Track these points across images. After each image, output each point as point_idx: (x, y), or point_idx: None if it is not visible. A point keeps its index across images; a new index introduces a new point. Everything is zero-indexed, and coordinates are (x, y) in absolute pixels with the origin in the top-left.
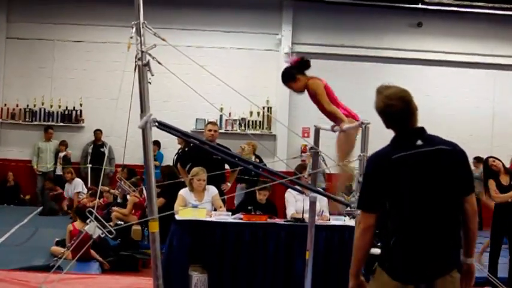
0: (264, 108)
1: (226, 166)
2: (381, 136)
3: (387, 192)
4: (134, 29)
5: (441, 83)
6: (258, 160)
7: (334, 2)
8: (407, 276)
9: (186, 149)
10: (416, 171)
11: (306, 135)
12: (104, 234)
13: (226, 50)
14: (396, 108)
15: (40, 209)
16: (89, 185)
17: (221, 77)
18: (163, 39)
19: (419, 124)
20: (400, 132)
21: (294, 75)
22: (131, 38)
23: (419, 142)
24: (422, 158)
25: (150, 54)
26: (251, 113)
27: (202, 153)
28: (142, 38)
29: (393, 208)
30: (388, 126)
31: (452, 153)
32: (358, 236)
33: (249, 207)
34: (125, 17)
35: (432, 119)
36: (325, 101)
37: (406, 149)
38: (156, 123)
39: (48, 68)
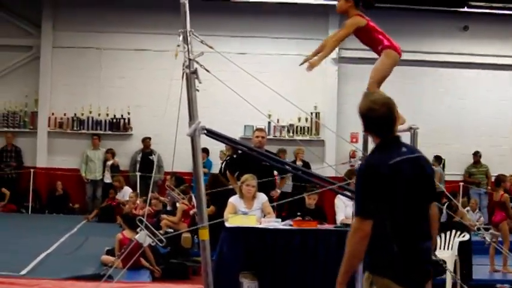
0: (312, 114)
1: (275, 172)
2: (428, 140)
3: (386, 198)
4: (181, 37)
5: (488, 86)
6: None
7: (380, 7)
8: (413, 280)
9: (235, 156)
10: (409, 177)
11: (354, 140)
12: (154, 243)
13: (273, 56)
14: (379, 113)
15: (89, 216)
16: (138, 192)
17: (269, 83)
18: (210, 47)
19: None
20: (384, 139)
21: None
22: (178, 46)
23: (403, 149)
24: (411, 164)
25: (197, 62)
26: (299, 118)
27: (251, 160)
28: (189, 46)
29: (391, 214)
30: (366, 130)
31: (427, 160)
32: (355, 243)
33: (298, 214)
34: (171, 25)
35: (480, 121)
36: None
37: (398, 155)
38: (205, 131)
39: (95, 77)
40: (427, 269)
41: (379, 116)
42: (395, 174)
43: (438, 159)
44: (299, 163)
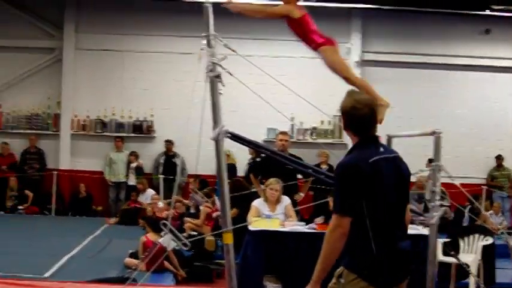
0: (334, 116)
1: (299, 176)
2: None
3: (366, 196)
4: (205, 41)
5: (510, 89)
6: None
7: (402, 10)
8: (388, 281)
9: (258, 159)
10: (388, 176)
11: None
12: (178, 247)
13: (296, 59)
14: (362, 112)
15: (110, 220)
16: (161, 195)
17: (291, 86)
18: (233, 51)
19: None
20: (363, 139)
21: None
22: (202, 49)
23: (381, 149)
24: (389, 163)
25: (221, 66)
26: (322, 121)
27: (274, 163)
28: (213, 50)
29: (371, 212)
30: (346, 128)
31: (403, 161)
32: (334, 240)
33: (322, 217)
34: (194, 27)
35: (503, 125)
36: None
37: (376, 154)
38: (229, 135)
39: (118, 79)
40: (405, 269)
41: (361, 116)
42: (376, 173)
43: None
44: (324, 167)
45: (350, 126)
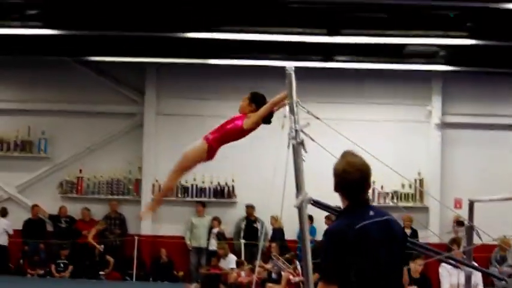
0: (415, 180)
1: None
2: None
3: (353, 262)
4: (288, 108)
5: None
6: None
7: (483, 72)
8: None
9: None
10: (377, 241)
11: (458, 206)
12: None
13: (376, 122)
14: (352, 177)
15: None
16: (243, 260)
17: (372, 149)
18: (317, 118)
19: None
20: (353, 203)
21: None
22: (285, 117)
23: (371, 213)
24: (378, 227)
25: (304, 132)
26: (403, 185)
27: None
28: (296, 117)
29: (359, 279)
30: (336, 190)
31: (395, 223)
32: None
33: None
34: (275, 92)
35: None
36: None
37: (364, 219)
38: (312, 202)
39: None
40: None
41: (351, 180)
42: (362, 238)
43: (460, 223)
44: (408, 231)
45: (340, 189)
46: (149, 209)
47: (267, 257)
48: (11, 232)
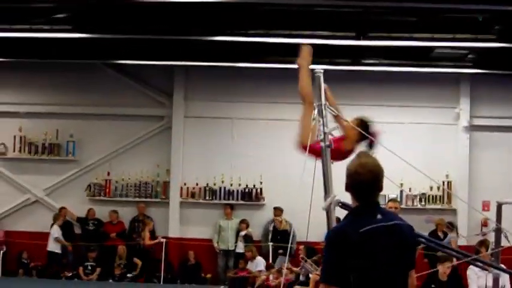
0: (443, 183)
1: None
2: None
3: (354, 265)
4: (316, 110)
5: None
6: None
7: (511, 74)
8: None
9: None
10: (381, 245)
11: (486, 208)
12: None
13: (404, 125)
14: (363, 178)
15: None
16: (272, 263)
17: (400, 151)
18: (346, 121)
19: None
20: (362, 204)
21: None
22: (314, 119)
23: (379, 216)
24: (384, 232)
25: (332, 135)
26: (431, 187)
27: None
28: (324, 119)
29: (361, 282)
30: (347, 190)
31: (405, 228)
32: None
33: (432, 286)
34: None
35: None
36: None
37: (370, 223)
38: (340, 204)
39: (227, 146)
40: None
41: (362, 181)
42: (365, 242)
43: (450, 225)
44: (440, 234)
45: (351, 190)
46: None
47: (297, 260)
48: (62, 239)
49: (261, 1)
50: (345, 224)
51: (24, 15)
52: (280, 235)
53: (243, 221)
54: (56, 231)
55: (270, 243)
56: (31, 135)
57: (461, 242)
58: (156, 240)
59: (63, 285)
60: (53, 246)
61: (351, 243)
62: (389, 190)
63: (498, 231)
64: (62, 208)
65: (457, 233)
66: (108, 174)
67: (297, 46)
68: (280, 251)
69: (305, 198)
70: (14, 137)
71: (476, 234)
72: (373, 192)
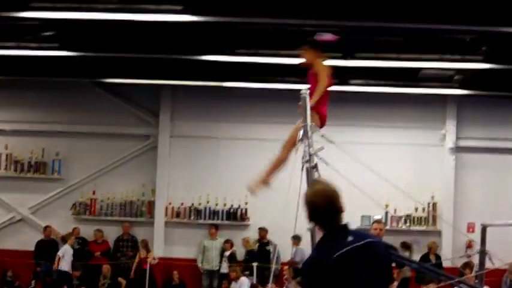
0: (428, 204)
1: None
2: None
3: None
4: (302, 131)
5: None
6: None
7: (497, 96)
8: None
9: None
10: (357, 266)
11: (471, 230)
12: None
13: (390, 145)
14: (318, 204)
15: None
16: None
17: (386, 172)
18: (331, 142)
19: None
20: (328, 231)
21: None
22: (300, 140)
23: (349, 238)
24: (358, 252)
25: (318, 156)
26: (416, 209)
27: None
28: (310, 140)
29: None
30: (310, 220)
31: (378, 245)
32: None
33: None
34: (290, 114)
35: None
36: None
37: (342, 246)
38: None
39: (212, 166)
40: None
41: (317, 207)
42: (340, 267)
43: (405, 245)
44: (432, 257)
45: (311, 218)
46: (261, 182)
47: (281, 280)
48: (71, 259)
49: (247, 20)
50: (317, 253)
51: (11, 33)
52: (249, 255)
53: (227, 241)
54: (67, 251)
55: (255, 264)
56: (17, 153)
57: (446, 263)
58: (156, 259)
59: None
60: (64, 266)
61: (326, 270)
62: (374, 211)
63: (483, 253)
64: (47, 226)
65: (410, 253)
66: (94, 193)
67: (283, 66)
68: (247, 273)
69: (290, 219)
70: (0, 155)
71: (460, 256)
72: (333, 216)
